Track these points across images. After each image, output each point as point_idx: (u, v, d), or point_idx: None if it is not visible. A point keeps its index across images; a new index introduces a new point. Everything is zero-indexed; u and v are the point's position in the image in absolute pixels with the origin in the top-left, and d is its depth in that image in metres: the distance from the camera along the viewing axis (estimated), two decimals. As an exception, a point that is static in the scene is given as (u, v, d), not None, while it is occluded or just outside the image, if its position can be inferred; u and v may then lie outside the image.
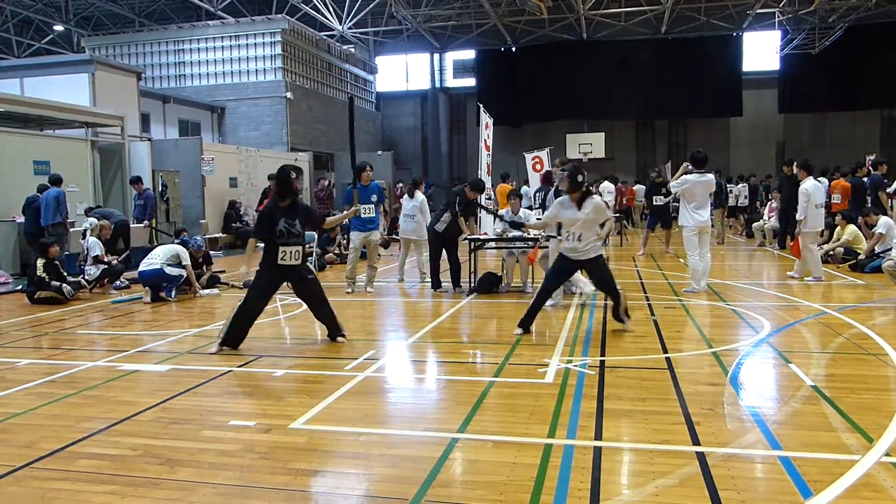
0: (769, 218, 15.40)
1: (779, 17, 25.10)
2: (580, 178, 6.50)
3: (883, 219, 11.10)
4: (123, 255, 11.46)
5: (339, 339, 6.49)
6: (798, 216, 9.98)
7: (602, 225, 6.83)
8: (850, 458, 3.52)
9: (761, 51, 28.96)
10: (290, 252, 6.23)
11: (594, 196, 6.63)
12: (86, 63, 16.87)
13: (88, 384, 5.24)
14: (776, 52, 27.91)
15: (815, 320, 7.18)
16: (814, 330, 6.76)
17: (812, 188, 9.91)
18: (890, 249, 9.46)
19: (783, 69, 28.30)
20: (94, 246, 10.45)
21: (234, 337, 6.24)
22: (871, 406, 4.34)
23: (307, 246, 11.50)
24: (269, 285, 6.43)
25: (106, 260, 10.53)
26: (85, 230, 10.83)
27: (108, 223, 11.12)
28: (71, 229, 11.88)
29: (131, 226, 13.33)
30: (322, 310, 6.54)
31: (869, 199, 13.22)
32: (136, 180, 13.95)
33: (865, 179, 13.79)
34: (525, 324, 6.67)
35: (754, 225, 15.64)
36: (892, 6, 25.66)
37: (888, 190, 13.26)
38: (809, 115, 28.82)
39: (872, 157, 15.35)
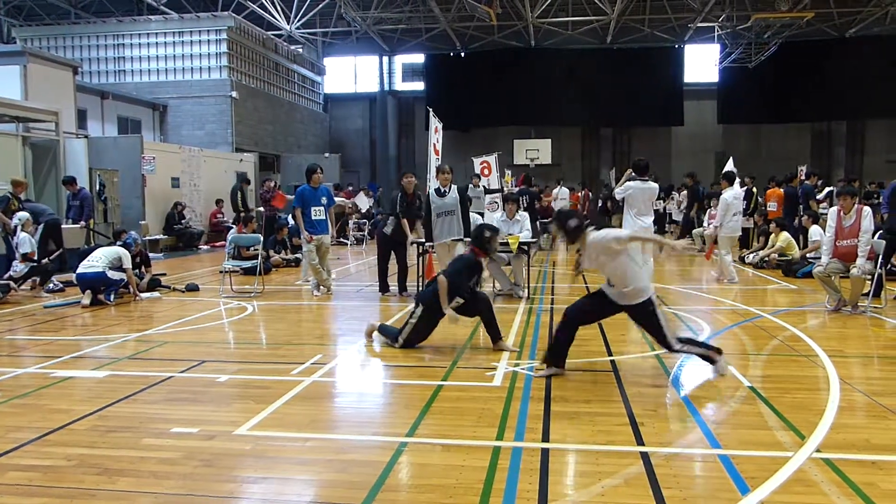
0: (709, 224, 15.87)
1: (718, 31, 26.02)
2: (572, 222, 5.28)
3: (814, 227, 11.62)
4: (55, 255, 11.00)
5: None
6: (715, 223, 10.53)
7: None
8: (784, 454, 3.67)
9: (701, 63, 29.91)
10: None
11: (590, 234, 5.27)
12: (17, 55, 16.20)
13: (18, 392, 5.02)
14: (715, 64, 28.91)
15: (752, 323, 7.44)
16: (750, 333, 7.00)
17: (731, 198, 10.46)
18: (819, 257, 9.89)
19: (722, 81, 29.29)
20: (25, 242, 10.00)
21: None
22: (804, 405, 4.52)
23: (251, 249, 11.34)
24: None
25: (35, 259, 10.09)
26: (15, 226, 10.35)
27: (29, 220, 10.48)
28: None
29: (65, 226, 12.83)
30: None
31: (801, 207, 13.81)
32: (70, 181, 13.32)
33: (798, 188, 14.41)
34: (557, 361, 5.36)
35: (694, 231, 16.12)
36: (822, 25, 26.89)
37: (818, 197, 13.91)
38: (746, 127, 29.89)
39: (805, 168, 16.06)
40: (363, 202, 19.94)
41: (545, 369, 5.32)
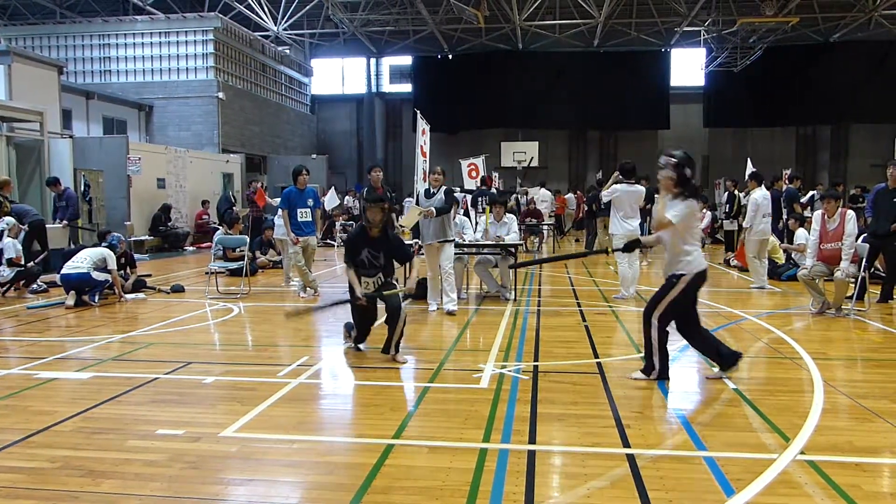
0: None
1: (704, 35, 26.24)
2: (688, 171, 5.07)
3: (800, 230, 11.72)
4: (40, 258, 10.90)
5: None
6: (745, 224, 10.39)
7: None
8: (768, 456, 3.69)
9: (688, 67, 30.12)
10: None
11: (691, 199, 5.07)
12: (1, 54, 15.99)
13: (2, 393, 4.97)
14: (701, 68, 29.12)
15: (737, 326, 7.49)
16: (735, 335, 7.05)
17: (760, 198, 10.28)
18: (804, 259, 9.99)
19: (708, 85, 29.51)
20: (10, 247, 9.91)
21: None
22: (788, 407, 4.56)
23: (238, 250, 11.28)
24: None
25: (21, 263, 9.99)
26: (1, 230, 10.24)
27: (17, 226, 10.37)
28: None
29: (51, 226, 12.71)
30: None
31: (784, 210, 13.93)
32: (54, 182, 13.18)
33: (783, 192, 14.52)
34: (663, 372, 5.22)
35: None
36: (807, 30, 27.17)
37: (801, 200, 14.04)
38: (732, 130, 30.13)
39: (789, 172, 16.20)
40: (332, 201, 19.56)
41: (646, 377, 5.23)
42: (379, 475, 3.50)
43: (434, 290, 8.70)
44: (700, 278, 5.11)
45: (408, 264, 6.82)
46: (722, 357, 5.21)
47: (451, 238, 8.67)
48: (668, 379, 5.16)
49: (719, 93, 29.07)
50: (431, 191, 8.66)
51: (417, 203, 8.79)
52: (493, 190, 17.02)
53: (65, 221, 13.09)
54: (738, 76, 28.23)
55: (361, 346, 6.31)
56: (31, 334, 7.30)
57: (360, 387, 5.43)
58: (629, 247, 5.93)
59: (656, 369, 5.17)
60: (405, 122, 31.39)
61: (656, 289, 5.31)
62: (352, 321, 6.29)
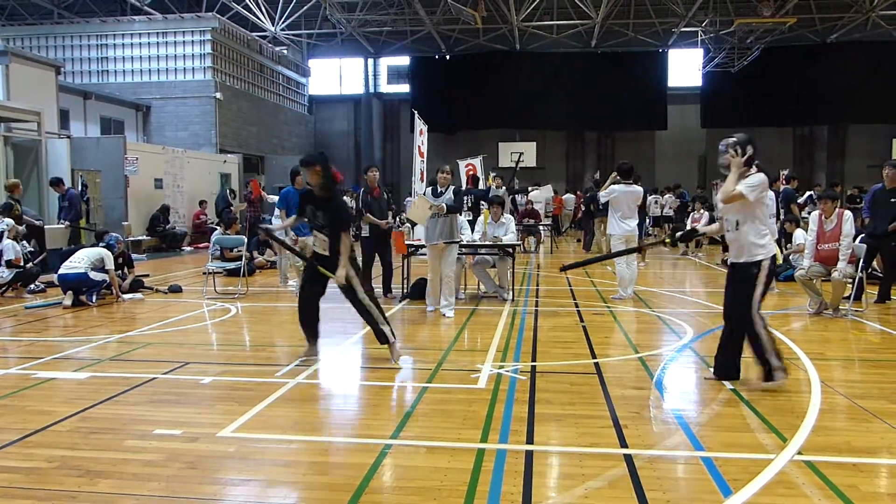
0: (691, 227, 16.00)
1: (701, 35, 26.28)
2: (749, 149, 4.98)
3: (798, 231, 11.73)
4: (39, 258, 10.89)
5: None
6: None
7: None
8: (766, 457, 3.70)
9: (685, 67, 30.17)
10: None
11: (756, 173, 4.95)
12: (-1, 54, 16.01)
13: (-1, 393, 4.96)
14: (699, 69, 29.16)
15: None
16: (733, 336, 7.05)
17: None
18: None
19: (705, 86, 29.53)
20: (9, 249, 9.90)
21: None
22: (785, 407, 4.57)
23: (235, 250, 11.27)
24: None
25: (21, 265, 9.98)
26: (1, 232, 10.23)
27: (17, 227, 10.37)
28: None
29: (54, 226, 12.72)
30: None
31: (782, 210, 13.94)
32: (57, 182, 13.27)
33: (780, 192, 14.53)
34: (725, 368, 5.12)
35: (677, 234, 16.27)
36: (804, 31, 27.23)
37: (798, 201, 14.06)
38: (729, 131, 29.96)
39: (786, 172, 16.22)
40: None
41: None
42: (376, 475, 3.50)
43: (434, 292, 8.50)
44: (774, 262, 4.93)
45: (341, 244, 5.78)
46: (726, 365, 5.10)
47: (458, 240, 8.47)
48: (785, 372, 4.85)
49: (717, 93, 29.10)
50: (439, 189, 8.37)
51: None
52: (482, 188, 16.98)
53: (66, 221, 13.10)
54: (735, 77, 28.27)
55: (315, 352, 6.00)
56: (28, 334, 7.29)
57: (357, 387, 5.43)
58: (685, 237, 5.78)
59: (778, 366, 4.82)
60: (403, 123, 31.41)
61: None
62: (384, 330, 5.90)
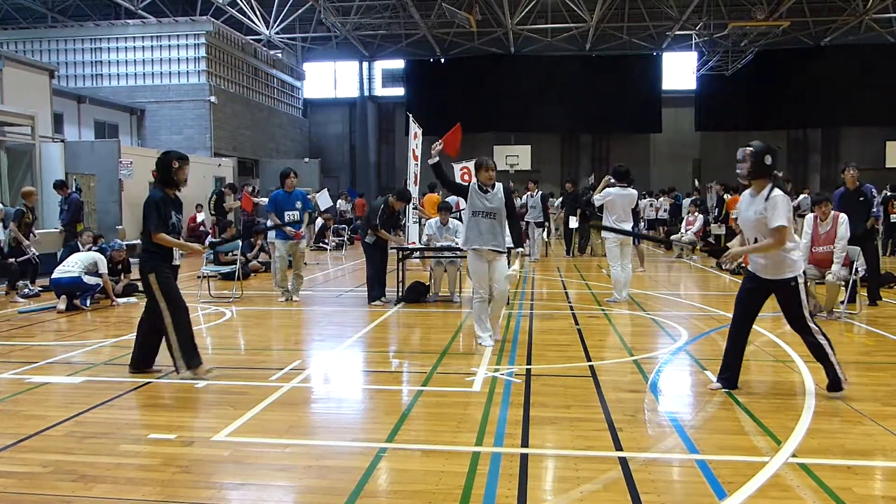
0: (686, 231, 16.04)
1: (695, 39, 26.35)
2: (768, 159, 4.82)
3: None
4: (23, 257, 10.81)
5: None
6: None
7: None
8: (760, 459, 3.71)
9: (679, 70, 30.28)
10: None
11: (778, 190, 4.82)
12: (-7, 58, 15.97)
13: (-7, 398, 4.94)
14: (693, 72, 29.28)
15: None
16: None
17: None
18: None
19: (699, 89, 29.65)
20: None
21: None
22: (779, 410, 4.58)
23: (231, 254, 11.24)
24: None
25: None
26: None
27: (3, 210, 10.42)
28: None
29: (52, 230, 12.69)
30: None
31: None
32: (60, 185, 13.27)
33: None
34: (731, 380, 5.06)
35: (673, 237, 16.26)
36: (798, 34, 27.35)
37: (792, 204, 14.08)
38: (723, 134, 30.24)
39: (780, 175, 16.23)
40: (324, 200, 19.49)
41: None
42: (372, 479, 3.50)
43: (482, 316, 6.73)
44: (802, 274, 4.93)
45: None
46: (732, 379, 5.06)
47: (505, 249, 6.86)
48: (843, 381, 4.80)
49: (711, 96, 29.21)
50: (485, 187, 6.77)
51: (468, 202, 6.84)
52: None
53: (60, 227, 13.05)
54: (729, 80, 28.40)
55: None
56: (22, 339, 7.26)
57: (352, 390, 5.42)
58: (715, 253, 5.81)
59: (839, 372, 4.79)
60: (398, 126, 31.41)
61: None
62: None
